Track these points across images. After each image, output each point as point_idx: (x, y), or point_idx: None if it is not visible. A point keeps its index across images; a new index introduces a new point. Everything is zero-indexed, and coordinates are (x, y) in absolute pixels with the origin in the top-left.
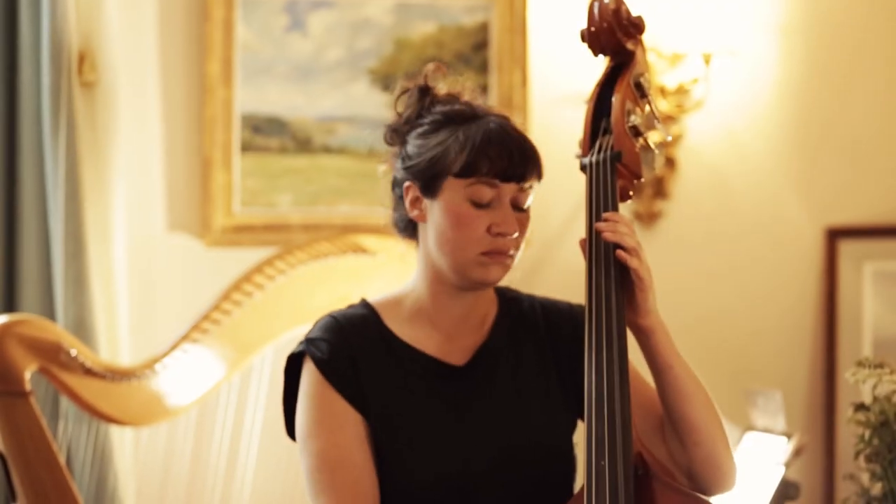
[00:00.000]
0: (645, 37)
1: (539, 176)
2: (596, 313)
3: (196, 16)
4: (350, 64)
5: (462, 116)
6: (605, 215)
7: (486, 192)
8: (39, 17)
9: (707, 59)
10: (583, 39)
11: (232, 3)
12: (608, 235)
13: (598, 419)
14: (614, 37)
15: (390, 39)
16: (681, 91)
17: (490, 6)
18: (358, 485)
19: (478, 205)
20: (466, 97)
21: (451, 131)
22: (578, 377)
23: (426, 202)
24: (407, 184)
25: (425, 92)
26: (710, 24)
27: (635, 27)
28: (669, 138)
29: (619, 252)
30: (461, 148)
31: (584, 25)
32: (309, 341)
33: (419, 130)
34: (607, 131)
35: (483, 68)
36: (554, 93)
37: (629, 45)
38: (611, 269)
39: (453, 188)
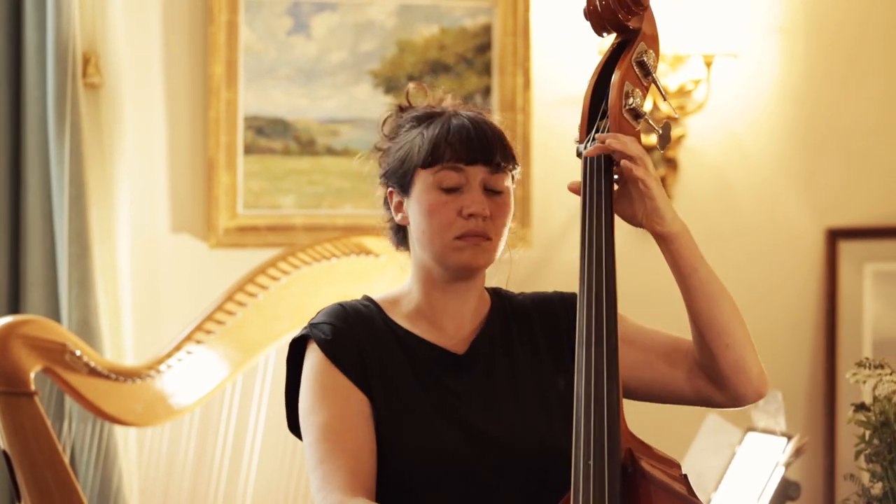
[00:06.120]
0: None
1: (509, 160)
2: (587, 309)
3: (200, 18)
4: (353, 66)
5: (429, 116)
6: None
7: (452, 177)
8: (44, 19)
9: (708, 61)
10: (585, 17)
11: (236, 6)
12: (612, 142)
13: (586, 417)
14: (615, 15)
15: (393, 42)
16: (682, 93)
17: (493, 9)
18: (357, 454)
19: (447, 190)
20: (447, 103)
21: (418, 131)
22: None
23: (405, 202)
24: (389, 190)
25: (405, 110)
26: (712, 27)
27: (637, 4)
28: (677, 115)
29: (625, 162)
30: (423, 141)
31: (585, 3)
32: (313, 325)
33: (395, 138)
34: (606, 115)
35: (485, 71)
36: (556, 95)
37: (632, 23)
38: (602, 262)
39: (423, 179)
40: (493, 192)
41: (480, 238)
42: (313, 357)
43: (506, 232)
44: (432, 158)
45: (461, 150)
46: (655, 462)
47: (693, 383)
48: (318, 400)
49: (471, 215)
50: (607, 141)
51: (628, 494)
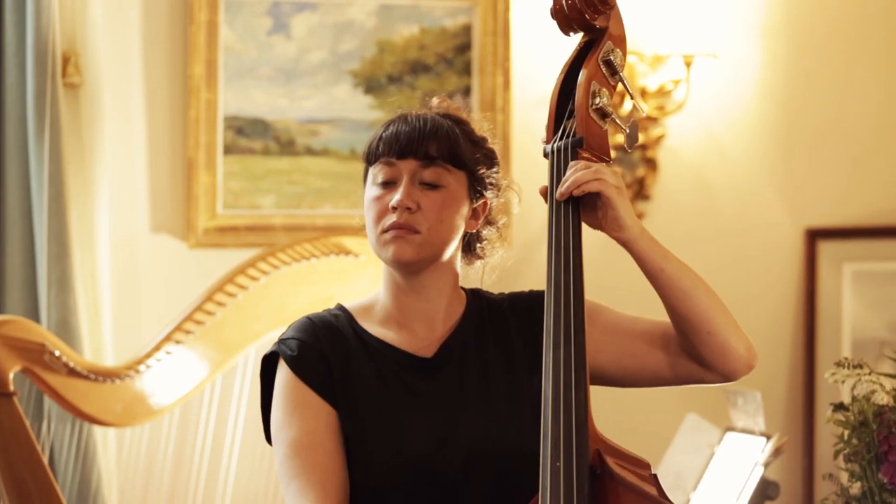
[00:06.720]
0: (621, 15)
1: (446, 155)
2: (554, 309)
3: (180, 18)
4: (333, 66)
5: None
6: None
7: (384, 171)
8: (24, 19)
9: (688, 61)
10: (552, 17)
11: (216, 6)
12: (565, 190)
13: (554, 418)
14: (581, 14)
15: (373, 42)
16: (662, 93)
17: (473, 9)
18: (328, 469)
19: (382, 185)
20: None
21: None
22: None
23: None
24: None
25: None
26: (692, 27)
27: (604, 3)
28: (644, 114)
29: (577, 189)
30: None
31: (552, 3)
32: (281, 341)
33: None
34: (573, 114)
35: (465, 71)
36: (536, 95)
37: (599, 22)
38: (570, 263)
39: (368, 178)
40: (430, 186)
41: (404, 230)
42: (282, 373)
43: (451, 227)
44: (370, 155)
45: (392, 145)
46: (624, 462)
47: (682, 367)
48: (287, 416)
49: (394, 208)
50: (561, 193)
51: (597, 496)
